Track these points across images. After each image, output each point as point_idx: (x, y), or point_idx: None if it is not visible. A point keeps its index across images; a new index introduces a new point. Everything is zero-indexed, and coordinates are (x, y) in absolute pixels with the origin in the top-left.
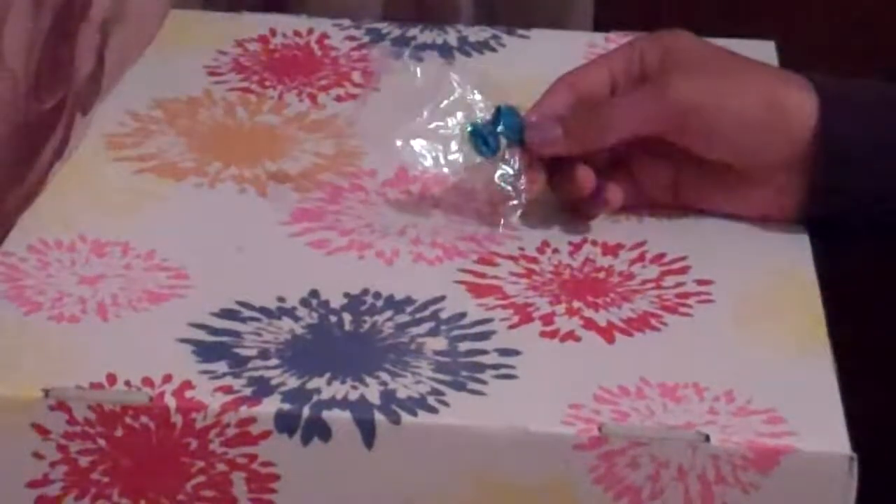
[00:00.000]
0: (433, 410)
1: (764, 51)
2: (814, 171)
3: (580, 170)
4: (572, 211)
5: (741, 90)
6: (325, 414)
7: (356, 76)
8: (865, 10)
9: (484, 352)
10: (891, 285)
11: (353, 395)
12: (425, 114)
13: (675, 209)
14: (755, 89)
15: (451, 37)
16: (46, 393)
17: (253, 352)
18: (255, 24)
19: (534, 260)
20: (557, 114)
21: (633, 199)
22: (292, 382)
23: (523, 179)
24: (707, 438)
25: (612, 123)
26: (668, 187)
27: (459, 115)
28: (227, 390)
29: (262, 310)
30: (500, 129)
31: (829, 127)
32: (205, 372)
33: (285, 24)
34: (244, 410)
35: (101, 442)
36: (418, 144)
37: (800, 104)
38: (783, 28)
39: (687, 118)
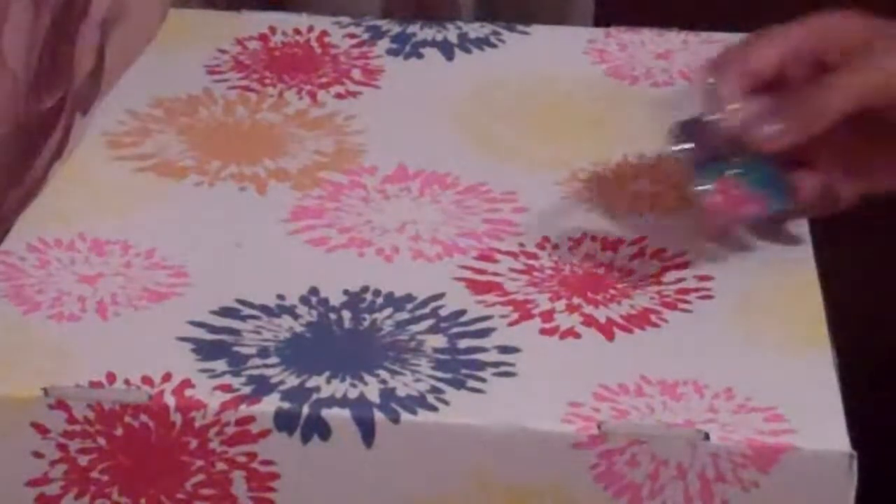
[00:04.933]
0: (433, 409)
1: None
2: None
3: (806, 181)
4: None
5: None
6: (325, 412)
7: (356, 73)
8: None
9: (483, 349)
10: (892, 283)
11: (353, 394)
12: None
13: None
14: None
15: (451, 33)
16: (46, 392)
17: (252, 350)
18: (255, 22)
19: (534, 256)
20: (769, 105)
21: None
22: (292, 381)
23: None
24: (707, 436)
25: (833, 102)
26: (843, 169)
27: None
28: (227, 389)
29: (262, 308)
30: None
31: None
32: (204, 370)
33: (285, 22)
34: (244, 409)
35: (101, 441)
36: None
37: None
38: (783, 24)
39: None
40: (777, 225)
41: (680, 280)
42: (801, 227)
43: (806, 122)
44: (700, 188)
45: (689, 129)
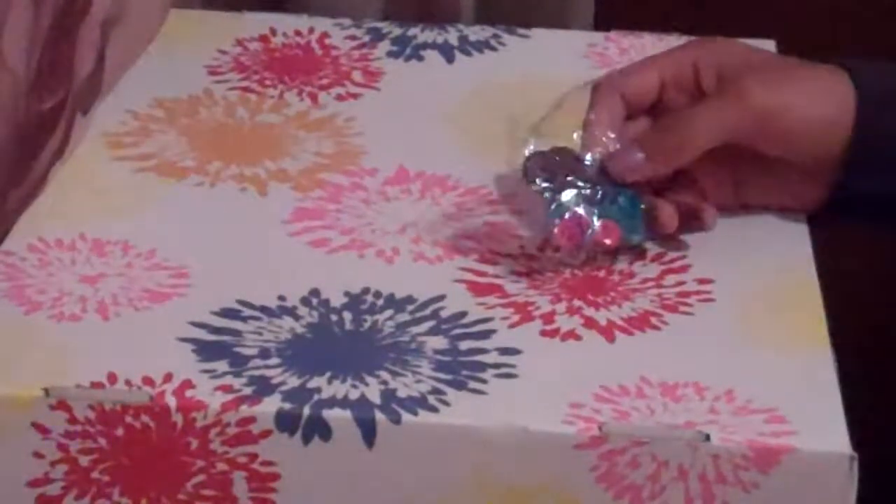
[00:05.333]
0: (434, 410)
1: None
2: (846, 159)
3: (664, 212)
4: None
5: (807, 92)
6: (326, 413)
7: (356, 75)
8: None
9: (484, 351)
10: (891, 285)
11: (354, 395)
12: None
13: (735, 210)
14: (817, 89)
15: (452, 36)
16: (47, 392)
17: (253, 351)
18: (255, 23)
19: (534, 258)
20: (633, 137)
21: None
22: (293, 381)
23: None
24: (707, 438)
25: (696, 137)
26: (730, 188)
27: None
28: (228, 389)
29: (263, 309)
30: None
31: (863, 118)
32: (205, 371)
33: (286, 24)
34: (245, 409)
35: (102, 441)
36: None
37: (846, 98)
38: (783, 28)
39: (768, 123)
40: (777, 226)
41: (680, 283)
42: (801, 228)
43: (668, 155)
44: (551, 217)
45: (546, 159)
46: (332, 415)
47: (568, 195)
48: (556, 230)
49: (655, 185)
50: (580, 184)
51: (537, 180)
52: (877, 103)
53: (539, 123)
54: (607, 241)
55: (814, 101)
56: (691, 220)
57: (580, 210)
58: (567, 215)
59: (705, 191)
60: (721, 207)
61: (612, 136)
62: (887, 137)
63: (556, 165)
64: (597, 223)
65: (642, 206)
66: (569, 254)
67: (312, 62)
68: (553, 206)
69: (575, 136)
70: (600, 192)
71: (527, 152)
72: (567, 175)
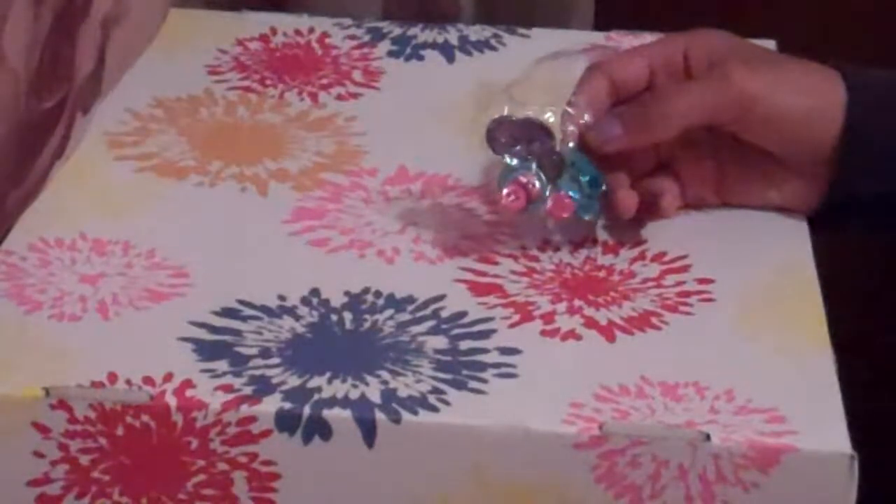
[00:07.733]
0: (434, 409)
1: None
2: (837, 161)
3: (622, 196)
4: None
5: (793, 83)
6: (326, 413)
7: (357, 75)
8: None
9: (485, 350)
10: (891, 285)
11: (354, 394)
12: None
13: (715, 206)
14: (804, 82)
15: (452, 36)
16: (47, 392)
17: (254, 350)
18: (255, 23)
19: (534, 258)
20: (607, 108)
21: (679, 199)
22: (293, 381)
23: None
24: (708, 437)
25: (677, 114)
26: (712, 184)
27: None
28: (228, 389)
29: (263, 308)
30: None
31: (854, 118)
32: (206, 371)
33: (286, 23)
34: (245, 409)
35: (102, 441)
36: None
37: (835, 96)
38: (783, 28)
39: (750, 107)
40: (777, 226)
41: (680, 283)
42: (801, 228)
43: (646, 128)
44: (500, 182)
45: (512, 126)
46: (333, 414)
47: (518, 161)
48: (502, 193)
49: (634, 171)
50: (541, 154)
51: (500, 143)
52: (869, 103)
53: (507, 89)
54: (557, 214)
55: (799, 93)
56: (655, 208)
57: (533, 179)
58: (513, 179)
59: (685, 183)
60: (702, 203)
61: (588, 118)
62: (880, 138)
63: (521, 133)
64: (550, 195)
65: (603, 188)
66: (515, 213)
67: (312, 62)
68: (502, 171)
69: (548, 113)
70: (562, 166)
71: (485, 118)
72: (531, 144)
